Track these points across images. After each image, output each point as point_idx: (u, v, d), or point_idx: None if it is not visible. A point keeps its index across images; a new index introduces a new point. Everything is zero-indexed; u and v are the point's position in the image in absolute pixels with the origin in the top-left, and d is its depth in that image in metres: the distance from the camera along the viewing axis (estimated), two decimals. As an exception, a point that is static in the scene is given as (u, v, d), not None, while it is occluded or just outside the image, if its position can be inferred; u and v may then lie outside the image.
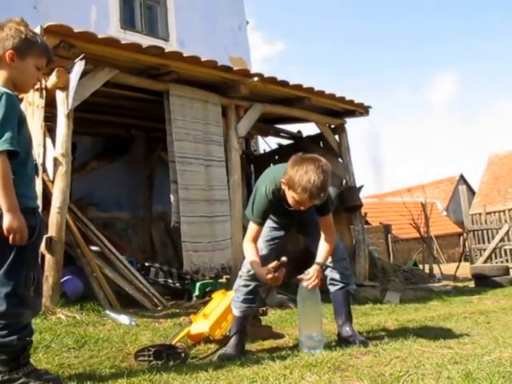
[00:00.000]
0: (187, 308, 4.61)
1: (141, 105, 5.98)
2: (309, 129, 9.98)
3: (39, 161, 4.27)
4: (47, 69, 2.43)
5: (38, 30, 3.75)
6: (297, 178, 2.35)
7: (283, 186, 2.48)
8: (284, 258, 2.54)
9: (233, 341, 2.71)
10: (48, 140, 4.47)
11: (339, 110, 6.83)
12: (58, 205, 4.06)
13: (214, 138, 5.40)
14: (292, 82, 5.83)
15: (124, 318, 3.76)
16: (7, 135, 1.82)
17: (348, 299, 2.94)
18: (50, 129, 4.57)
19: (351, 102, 6.66)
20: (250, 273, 2.73)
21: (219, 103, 5.51)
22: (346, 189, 6.79)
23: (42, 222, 2.06)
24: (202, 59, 4.96)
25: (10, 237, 1.83)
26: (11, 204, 1.82)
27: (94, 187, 6.80)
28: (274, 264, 2.55)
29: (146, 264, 5.49)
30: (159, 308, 4.49)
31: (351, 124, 20.58)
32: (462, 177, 26.54)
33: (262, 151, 8.85)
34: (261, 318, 3.25)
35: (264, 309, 3.30)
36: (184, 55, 4.86)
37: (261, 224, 2.67)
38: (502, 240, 10.72)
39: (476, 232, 12.10)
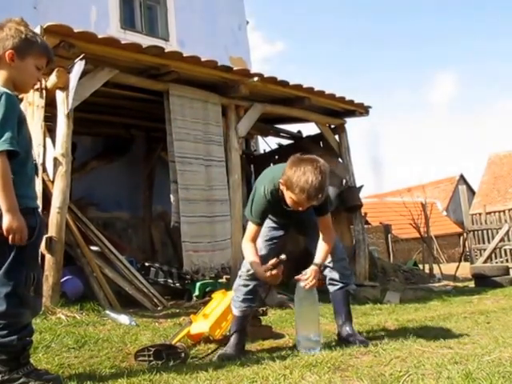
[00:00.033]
0: (187, 308, 4.61)
1: (141, 105, 5.98)
2: (309, 129, 10.00)
3: (39, 161, 4.27)
4: (47, 69, 2.43)
5: (37, 30, 3.75)
6: (295, 179, 2.35)
7: (281, 187, 2.48)
8: (283, 256, 2.54)
9: (233, 340, 2.71)
10: (48, 140, 4.47)
11: (339, 110, 6.83)
12: (58, 205, 4.06)
13: (214, 138, 5.40)
14: (292, 82, 5.84)
15: (124, 318, 3.76)
16: (7, 135, 1.82)
17: (348, 299, 2.94)
18: (50, 129, 4.57)
19: (351, 102, 6.66)
20: (250, 272, 2.73)
21: (219, 103, 5.51)
22: (345, 189, 6.80)
23: (42, 221, 2.06)
24: (202, 59, 4.96)
25: (10, 237, 1.83)
26: (11, 204, 1.82)
27: (93, 187, 6.80)
28: (272, 261, 2.55)
29: (146, 264, 5.49)
30: (159, 308, 4.49)
31: (351, 124, 20.62)
32: (462, 177, 26.55)
33: (262, 151, 8.85)
34: (261, 317, 3.25)
35: (264, 309, 3.30)
36: (184, 55, 4.86)
37: (259, 224, 2.67)
38: (502, 240, 10.72)
39: (476, 232, 12.10)
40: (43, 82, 4.35)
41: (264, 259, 2.66)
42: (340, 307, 2.91)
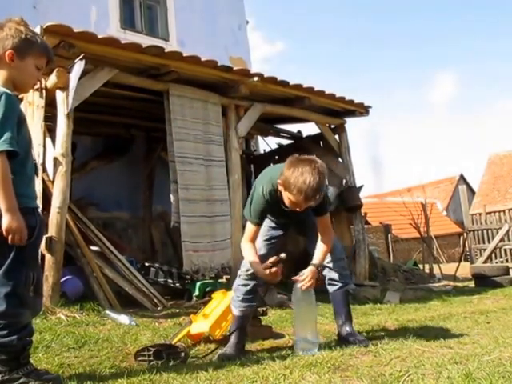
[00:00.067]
0: (187, 308, 4.61)
1: (141, 105, 5.98)
2: (309, 129, 9.99)
3: (39, 161, 4.27)
4: (47, 69, 2.43)
5: (37, 30, 3.75)
6: (292, 179, 2.35)
7: (279, 187, 2.48)
8: (283, 255, 2.55)
9: (233, 340, 2.71)
10: (48, 140, 4.47)
11: (339, 110, 6.83)
12: (58, 205, 4.06)
13: (214, 138, 5.40)
14: (292, 82, 5.83)
15: (124, 318, 3.76)
16: (6, 135, 1.82)
17: (347, 299, 2.94)
18: (50, 129, 4.57)
19: (351, 102, 6.66)
20: (249, 272, 2.73)
21: (219, 103, 5.51)
22: (345, 189, 6.80)
23: (42, 221, 2.06)
24: (202, 59, 4.96)
25: (10, 237, 1.83)
26: (10, 204, 1.82)
27: (93, 187, 6.80)
28: (272, 259, 2.56)
29: (146, 264, 5.49)
30: (159, 308, 4.49)
31: (351, 124, 20.61)
32: (462, 177, 26.56)
33: (262, 151, 8.85)
34: (261, 317, 3.25)
35: (264, 309, 3.30)
36: (184, 55, 4.86)
37: (258, 224, 2.67)
38: (502, 240, 10.71)
39: (476, 232, 12.10)
40: (43, 81, 4.35)
41: (263, 259, 2.66)
42: (340, 307, 2.91)
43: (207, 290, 5.06)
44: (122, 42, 4.52)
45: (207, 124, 5.35)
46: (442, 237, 18.73)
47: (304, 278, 2.62)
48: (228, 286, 4.08)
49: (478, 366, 1.92)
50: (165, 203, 6.38)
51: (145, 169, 7.45)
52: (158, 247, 7.33)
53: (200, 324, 3.03)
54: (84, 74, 4.27)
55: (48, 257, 3.95)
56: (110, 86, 4.77)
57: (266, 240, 2.87)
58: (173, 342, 2.76)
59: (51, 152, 4.32)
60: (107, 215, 6.93)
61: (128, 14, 7.94)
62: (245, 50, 9.33)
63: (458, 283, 8.31)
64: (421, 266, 10.50)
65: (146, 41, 6.38)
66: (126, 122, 6.79)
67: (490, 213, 12.50)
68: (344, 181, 6.93)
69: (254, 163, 8.31)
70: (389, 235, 15.36)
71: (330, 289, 2.91)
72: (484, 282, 7.32)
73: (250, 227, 2.67)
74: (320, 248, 2.71)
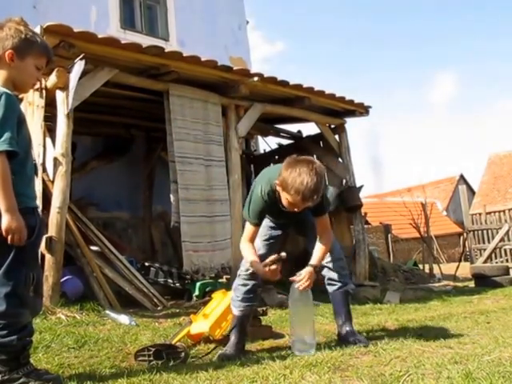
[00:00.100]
0: (187, 308, 4.61)
1: (141, 105, 5.98)
2: (309, 129, 9.98)
3: (39, 161, 4.28)
4: (47, 69, 2.43)
5: (37, 30, 3.75)
6: (290, 180, 2.35)
7: (277, 188, 2.48)
8: (283, 254, 2.55)
9: (233, 340, 2.71)
10: (48, 140, 4.48)
11: (339, 110, 6.83)
12: (58, 205, 4.06)
13: (214, 138, 5.40)
14: (292, 82, 5.83)
15: (124, 318, 3.76)
16: (6, 135, 1.82)
17: (347, 299, 2.94)
18: (50, 129, 4.57)
19: (351, 102, 6.66)
20: (249, 272, 2.74)
21: (219, 103, 5.51)
22: (345, 189, 6.80)
23: (42, 221, 2.06)
24: (202, 59, 4.96)
25: (9, 237, 1.83)
26: (10, 204, 1.82)
27: (93, 187, 6.80)
28: (272, 257, 2.56)
29: (146, 264, 5.49)
30: (159, 308, 4.49)
31: (351, 124, 20.60)
32: (462, 177, 26.57)
33: (262, 151, 8.85)
34: (261, 317, 3.25)
35: (264, 309, 3.31)
36: (184, 55, 4.86)
37: (257, 225, 2.67)
38: (502, 240, 10.72)
39: (476, 232, 12.11)
40: (43, 81, 4.35)
41: (263, 258, 2.66)
42: (340, 307, 2.91)
43: (207, 289, 5.06)
44: (122, 42, 4.52)
45: (207, 124, 5.35)
46: (442, 237, 18.73)
47: (301, 279, 2.62)
48: (228, 286, 4.07)
49: (477, 366, 1.93)
50: (165, 203, 6.38)
51: (145, 169, 7.46)
52: (158, 247, 7.33)
53: (200, 324, 3.03)
54: (84, 74, 4.27)
55: (48, 257, 3.95)
56: (110, 85, 4.77)
57: (265, 240, 2.87)
58: (173, 342, 2.76)
59: (51, 152, 4.32)
60: (107, 215, 6.93)
61: (128, 14, 7.94)
62: (245, 50, 9.33)
63: (458, 283, 8.31)
64: (421, 266, 10.50)
65: (146, 41, 6.38)
66: (126, 121, 6.79)
67: (489, 213, 12.51)
68: (344, 181, 6.93)
69: (254, 163, 8.31)
70: (389, 235, 15.37)
71: (330, 289, 2.91)
72: (484, 282, 7.32)
73: (248, 227, 2.68)
74: (318, 248, 2.71)
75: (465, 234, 12.34)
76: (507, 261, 11.34)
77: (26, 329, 1.92)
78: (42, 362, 2.42)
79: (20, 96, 3.57)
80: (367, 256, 6.73)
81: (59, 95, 4.28)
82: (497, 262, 10.75)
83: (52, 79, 4.27)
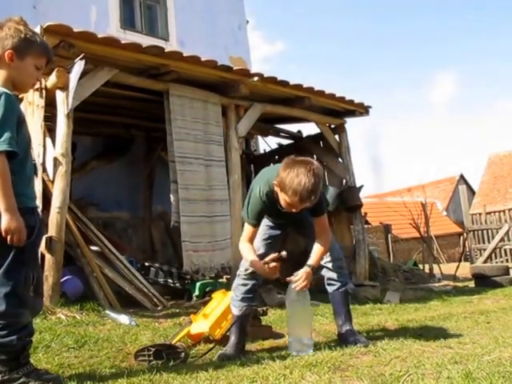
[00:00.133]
0: (187, 308, 4.61)
1: (141, 105, 5.98)
2: (309, 129, 9.99)
3: (39, 161, 4.28)
4: (47, 68, 2.43)
5: (37, 30, 3.75)
6: (288, 181, 2.35)
7: (276, 188, 2.48)
8: (284, 253, 2.55)
9: (233, 340, 2.71)
10: (48, 140, 4.47)
11: (339, 110, 6.83)
12: (58, 205, 4.06)
13: (214, 138, 5.40)
14: (292, 82, 5.83)
15: (124, 318, 3.76)
16: (6, 135, 1.82)
17: (347, 299, 2.94)
18: (49, 129, 4.57)
19: (351, 102, 6.66)
20: (248, 271, 2.74)
21: (219, 103, 5.51)
22: (345, 189, 6.80)
23: (42, 221, 2.06)
24: (202, 59, 4.96)
25: (8, 237, 1.83)
26: (9, 204, 1.82)
27: (93, 187, 6.80)
28: (272, 256, 2.57)
29: (146, 264, 5.49)
30: (159, 308, 4.49)
31: (351, 124, 20.61)
32: (462, 177, 26.56)
33: (262, 151, 8.85)
34: (261, 317, 3.25)
35: (264, 309, 3.31)
36: (184, 55, 4.86)
37: (256, 225, 2.67)
38: (501, 240, 10.72)
39: (476, 232, 12.11)
40: (43, 81, 4.35)
41: (262, 258, 2.66)
42: (339, 307, 2.91)
43: (207, 289, 5.06)
44: (122, 41, 4.52)
45: (207, 124, 5.35)
46: (442, 237, 18.73)
47: (298, 279, 2.62)
48: (228, 286, 4.07)
49: (477, 366, 1.93)
50: (165, 203, 6.38)
51: (145, 169, 7.46)
52: (158, 247, 7.33)
53: (200, 324, 3.03)
54: (84, 73, 4.27)
55: (48, 257, 3.94)
56: (109, 85, 4.77)
57: (265, 239, 2.87)
58: (173, 342, 2.76)
59: (51, 152, 4.32)
60: (107, 215, 6.93)
61: (128, 14, 7.94)
62: (245, 50, 9.33)
63: (458, 283, 8.31)
64: (421, 266, 10.50)
65: (145, 41, 6.38)
66: (126, 121, 6.79)
67: (490, 213, 12.50)
68: (344, 181, 6.93)
69: (254, 163, 8.31)
70: (389, 235, 15.37)
71: (329, 289, 2.91)
72: (484, 282, 7.32)
73: (247, 228, 2.68)
74: (316, 249, 2.71)
75: (465, 234, 12.34)
76: (507, 261, 11.34)
77: (25, 329, 1.92)
78: (42, 361, 2.42)
79: (20, 96, 3.58)
80: (367, 256, 6.73)
81: (59, 95, 4.28)
82: (497, 262, 10.75)
83: (52, 79, 4.27)
